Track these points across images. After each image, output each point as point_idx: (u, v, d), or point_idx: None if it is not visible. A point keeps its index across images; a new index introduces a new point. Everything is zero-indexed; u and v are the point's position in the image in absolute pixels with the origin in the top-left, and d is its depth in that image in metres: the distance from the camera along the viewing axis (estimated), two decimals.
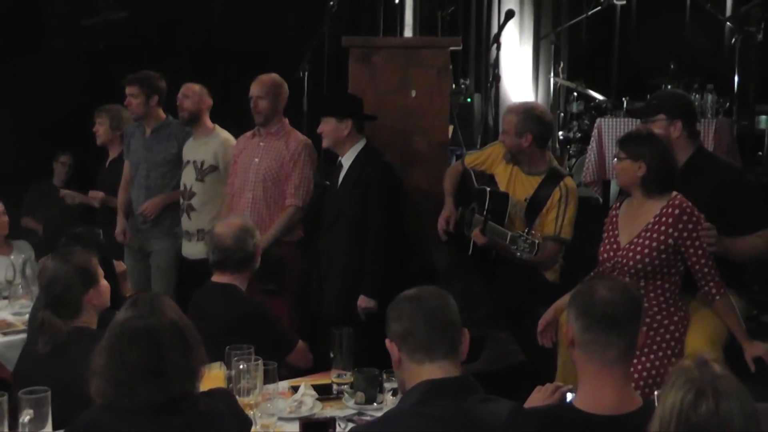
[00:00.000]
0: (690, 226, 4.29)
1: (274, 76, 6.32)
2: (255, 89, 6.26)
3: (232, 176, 6.42)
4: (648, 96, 7.43)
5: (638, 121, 7.71)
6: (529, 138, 5.44)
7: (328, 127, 5.75)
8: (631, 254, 4.37)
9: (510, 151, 5.55)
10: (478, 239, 5.32)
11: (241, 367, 3.83)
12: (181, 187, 6.67)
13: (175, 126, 6.91)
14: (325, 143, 5.82)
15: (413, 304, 3.13)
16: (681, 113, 4.85)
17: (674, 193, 4.38)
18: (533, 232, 5.16)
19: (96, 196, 7.34)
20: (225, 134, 6.74)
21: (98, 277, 4.04)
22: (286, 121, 6.33)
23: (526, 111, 5.53)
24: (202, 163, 6.60)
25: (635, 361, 4.19)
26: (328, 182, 6.22)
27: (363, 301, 5.57)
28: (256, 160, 6.23)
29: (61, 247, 4.67)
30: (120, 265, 4.28)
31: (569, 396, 3.24)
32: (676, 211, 4.30)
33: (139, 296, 3.13)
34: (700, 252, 4.31)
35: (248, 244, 4.78)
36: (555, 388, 3.31)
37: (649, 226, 4.36)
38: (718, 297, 4.39)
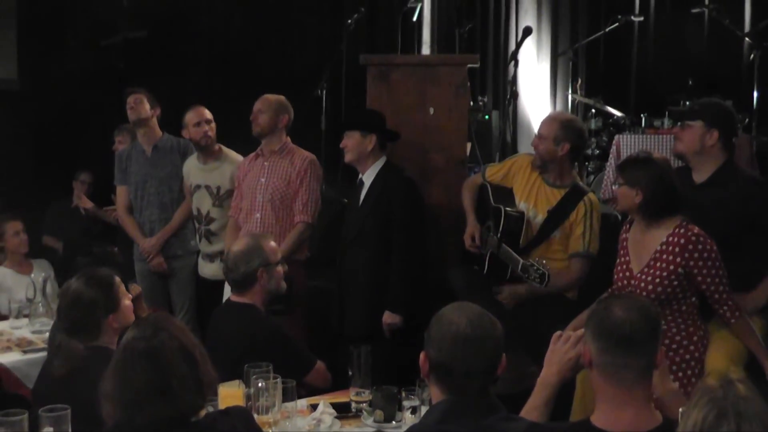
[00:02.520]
0: (696, 254, 4.25)
1: (280, 96, 6.31)
2: (257, 104, 6.23)
3: (237, 199, 6.38)
4: (667, 113, 7.47)
5: (656, 137, 7.78)
6: (566, 147, 5.40)
7: (351, 141, 5.75)
8: (643, 284, 4.35)
9: (542, 157, 5.48)
10: None
11: (260, 385, 3.84)
12: (194, 212, 6.68)
13: (174, 140, 6.95)
14: (347, 158, 5.80)
15: (458, 342, 3.06)
16: (720, 123, 4.80)
17: (680, 219, 4.34)
18: (543, 261, 5.14)
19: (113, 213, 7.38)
20: (233, 155, 6.74)
21: (120, 300, 4.05)
22: (288, 139, 6.29)
23: (569, 121, 5.55)
24: (218, 189, 6.60)
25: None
26: (346, 200, 6.21)
27: (388, 317, 5.57)
28: (263, 180, 6.19)
29: (79, 266, 4.68)
30: (136, 288, 4.29)
31: None
32: (682, 241, 4.27)
33: (144, 317, 3.15)
34: (709, 279, 4.28)
35: (243, 266, 4.76)
36: (576, 338, 3.27)
37: (657, 255, 4.34)
38: (733, 320, 4.37)
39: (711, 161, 4.79)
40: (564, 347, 3.28)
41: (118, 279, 4.11)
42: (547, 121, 5.57)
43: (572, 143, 5.43)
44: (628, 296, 3.48)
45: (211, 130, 6.66)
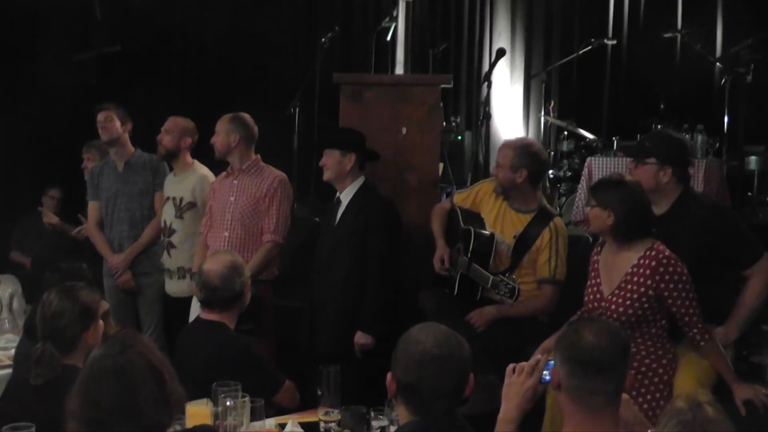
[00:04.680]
0: (667, 276, 4.25)
1: (238, 114, 6.28)
2: (216, 127, 6.25)
3: (207, 217, 6.35)
4: (639, 135, 7.49)
5: (628, 160, 7.80)
6: (523, 174, 5.41)
7: (331, 160, 5.72)
8: (613, 306, 4.34)
9: (502, 185, 5.51)
10: None
11: (227, 403, 3.81)
12: (161, 224, 6.65)
13: (147, 156, 6.92)
14: (326, 176, 5.78)
15: (424, 361, 3.05)
16: (672, 159, 4.80)
17: (652, 241, 4.34)
18: (513, 276, 5.16)
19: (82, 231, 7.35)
20: (203, 170, 6.71)
21: (98, 317, 4.02)
22: (258, 157, 6.28)
23: (523, 147, 5.50)
24: (181, 200, 6.57)
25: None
26: (317, 219, 6.17)
27: (360, 338, 5.53)
28: (232, 198, 6.16)
29: (47, 282, 4.64)
30: (103, 305, 4.26)
31: (546, 375, 3.20)
32: (653, 263, 4.26)
33: (111, 335, 3.12)
34: (679, 302, 4.28)
35: (236, 283, 4.72)
36: (531, 368, 3.25)
37: (628, 277, 4.34)
38: (702, 343, 4.37)
39: (667, 197, 4.80)
40: (520, 378, 3.26)
41: (98, 296, 4.08)
42: (502, 149, 5.57)
43: (529, 169, 5.43)
44: (598, 320, 3.47)
45: (167, 139, 6.64)
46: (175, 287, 6.56)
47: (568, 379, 2.96)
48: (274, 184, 6.14)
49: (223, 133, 6.18)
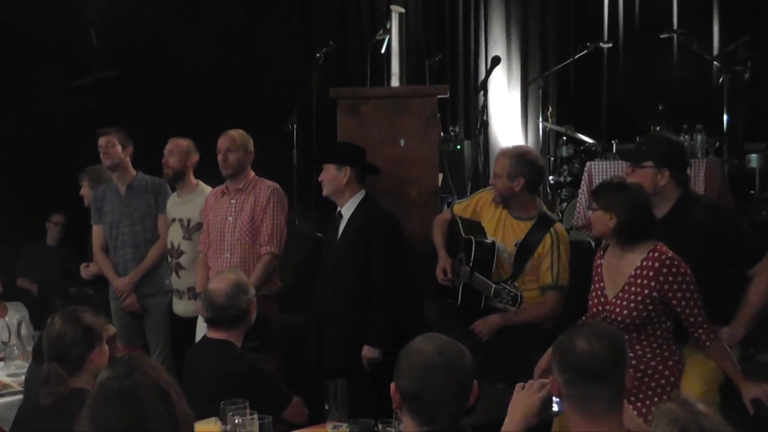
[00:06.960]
0: (671, 277, 4.23)
1: (242, 131, 6.32)
2: (224, 143, 6.23)
3: (204, 234, 6.38)
4: (638, 138, 7.49)
5: (625, 164, 7.81)
6: (521, 182, 5.42)
7: (327, 175, 5.76)
8: (618, 309, 4.33)
9: (501, 194, 5.52)
10: None
11: (236, 421, 3.82)
12: (168, 245, 6.67)
13: (149, 179, 6.94)
14: (324, 191, 5.81)
15: (428, 370, 3.07)
16: (670, 162, 4.80)
17: (654, 243, 4.34)
18: (515, 284, 5.17)
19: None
20: (209, 190, 6.69)
21: (103, 338, 4.04)
22: (252, 173, 6.32)
23: (519, 155, 5.50)
24: (189, 221, 6.59)
25: (630, 407, 4.17)
26: (320, 234, 6.17)
27: (368, 351, 5.55)
28: (230, 219, 6.20)
29: (55, 308, 4.66)
30: (110, 329, 4.29)
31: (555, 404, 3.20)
32: (656, 264, 4.25)
33: (118, 357, 3.13)
34: (683, 303, 4.26)
35: (241, 301, 4.74)
36: (540, 385, 3.26)
37: (631, 279, 4.32)
38: (708, 343, 4.34)
39: (667, 200, 4.80)
40: (528, 392, 3.27)
41: (101, 319, 4.11)
42: (499, 158, 5.58)
43: (526, 177, 5.44)
44: (592, 325, 3.47)
45: (173, 161, 6.67)
46: (184, 307, 6.57)
47: (567, 388, 2.96)
48: (267, 195, 6.18)
49: (241, 151, 6.24)
